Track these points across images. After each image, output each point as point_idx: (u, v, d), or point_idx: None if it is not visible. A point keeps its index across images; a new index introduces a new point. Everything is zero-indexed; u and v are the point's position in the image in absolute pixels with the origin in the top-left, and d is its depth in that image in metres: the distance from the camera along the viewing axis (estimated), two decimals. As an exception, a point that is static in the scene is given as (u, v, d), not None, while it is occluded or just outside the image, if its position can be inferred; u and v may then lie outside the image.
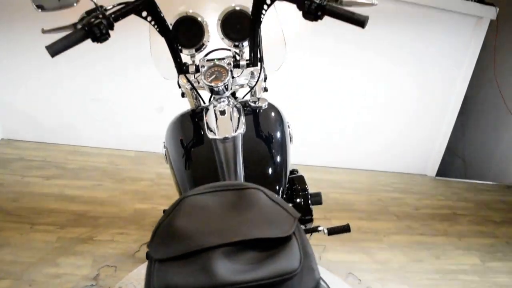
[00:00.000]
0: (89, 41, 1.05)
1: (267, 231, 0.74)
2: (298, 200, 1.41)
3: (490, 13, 3.01)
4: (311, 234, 1.40)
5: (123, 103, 2.94)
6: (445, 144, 3.45)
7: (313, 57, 2.98)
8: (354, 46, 2.99)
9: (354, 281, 2.12)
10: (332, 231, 1.38)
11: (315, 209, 1.38)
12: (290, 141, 1.44)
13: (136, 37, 2.45)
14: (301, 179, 1.45)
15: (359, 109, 3.21)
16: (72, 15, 1.09)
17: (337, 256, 2.29)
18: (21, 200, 2.34)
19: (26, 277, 1.84)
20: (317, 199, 1.50)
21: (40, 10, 1.05)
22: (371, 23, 3.06)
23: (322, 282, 0.78)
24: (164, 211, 0.87)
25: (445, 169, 3.70)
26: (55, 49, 1.00)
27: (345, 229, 1.41)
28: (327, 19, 1.04)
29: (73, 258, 1.98)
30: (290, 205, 1.38)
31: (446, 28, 3.05)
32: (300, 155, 3.23)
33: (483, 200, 3.27)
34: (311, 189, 1.42)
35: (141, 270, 1.90)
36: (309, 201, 1.40)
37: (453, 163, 4.38)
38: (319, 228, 1.34)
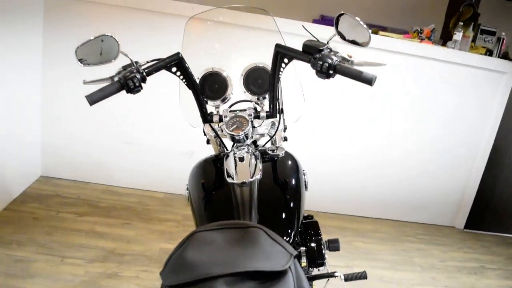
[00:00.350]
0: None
1: (265, 264, 0.81)
2: (312, 244, 1.47)
3: (514, 68, 3.07)
4: (328, 280, 1.44)
5: (154, 147, 3.09)
6: (473, 196, 3.41)
7: (337, 107, 3.08)
8: (382, 98, 3.07)
9: (373, 331, 2.10)
10: (348, 278, 1.43)
11: (336, 256, 1.43)
12: (306, 188, 1.51)
13: (168, 86, 2.61)
14: (315, 225, 1.51)
15: (384, 159, 3.24)
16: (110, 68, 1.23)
17: (357, 305, 2.28)
18: (54, 234, 2.47)
19: (53, 308, 1.93)
20: (335, 245, 1.56)
21: (82, 65, 1.20)
22: (399, 76, 3.17)
23: None
24: None
25: (475, 222, 3.62)
26: (93, 99, 1.14)
27: (362, 276, 1.45)
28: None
29: (98, 292, 2.06)
30: (303, 248, 1.44)
31: (473, 82, 3.10)
32: (325, 203, 3.26)
33: (514, 255, 3.19)
34: (333, 236, 1.48)
35: (162, 307, 1.95)
36: (322, 246, 1.45)
37: (484, 216, 4.27)
38: (336, 274, 1.38)
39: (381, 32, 3.19)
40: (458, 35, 3.09)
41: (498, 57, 3.11)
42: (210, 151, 1.61)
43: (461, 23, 3.14)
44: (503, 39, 3.12)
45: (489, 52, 3.20)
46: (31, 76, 2.84)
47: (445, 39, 3.43)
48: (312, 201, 2.38)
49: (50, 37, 2.83)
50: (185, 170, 2.65)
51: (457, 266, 2.87)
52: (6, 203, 2.69)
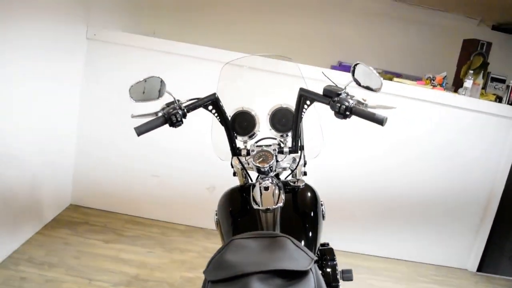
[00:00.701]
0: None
1: (291, 265, 0.97)
2: (327, 269, 1.60)
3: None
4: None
5: (179, 182, 3.27)
6: (486, 239, 3.47)
7: (352, 149, 3.24)
8: (395, 144, 3.23)
9: None
10: None
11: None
12: (323, 217, 1.66)
13: (194, 126, 2.83)
14: (330, 251, 1.65)
15: (398, 198, 3.36)
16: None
17: None
18: (82, 258, 2.62)
19: (82, 326, 2.06)
20: (348, 275, 1.69)
21: (134, 101, 1.40)
22: (411, 120, 3.31)
23: None
24: None
25: (488, 265, 3.66)
26: (141, 130, 1.33)
27: None
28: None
29: (123, 315, 2.19)
30: (320, 272, 1.57)
31: (483, 127, 3.24)
32: (340, 242, 3.36)
33: (527, 300, 3.21)
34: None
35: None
36: (336, 271, 1.58)
37: (497, 259, 4.29)
38: None
39: (395, 79, 3.39)
40: (468, 83, 3.26)
41: (508, 103, 3.26)
42: (230, 185, 1.76)
43: (472, 71, 3.32)
44: (512, 86, 3.29)
45: (499, 99, 3.36)
46: (69, 106, 3.08)
47: (456, 86, 3.60)
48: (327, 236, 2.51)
49: (89, 69, 3.09)
50: (206, 204, 2.85)
51: (469, 307, 2.92)
52: (39, 227, 2.87)
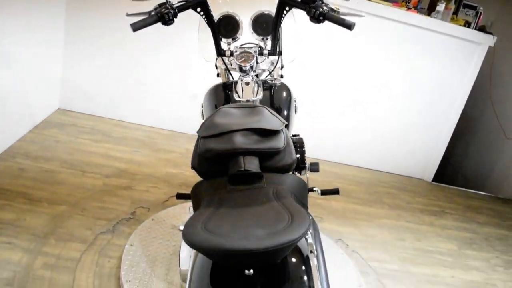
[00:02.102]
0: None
1: (267, 125, 1.22)
2: (297, 155, 1.86)
3: (489, 40, 3.42)
4: (307, 192, 1.84)
5: (163, 89, 3.45)
6: (442, 153, 3.83)
7: (333, 73, 3.45)
8: (367, 61, 3.44)
9: (342, 245, 2.54)
10: (324, 192, 1.82)
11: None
12: (295, 111, 1.90)
13: (179, 35, 2.97)
14: (300, 140, 1.90)
15: (367, 115, 3.64)
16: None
17: (331, 226, 2.71)
18: (75, 154, 2.85)
19: (78, 206, 2.33)
20: (315, 167, 1.96)
21: (131, -1, 1.55)
22: (383, 41, 3.52)
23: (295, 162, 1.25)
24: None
25: (442, 177, 4.07)
26: (136, 27, 1.50)
27: (335, 191, 1.84)
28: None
29: (115, 198, 2.46)
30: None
31: (450, 50, 3.47)
32: (312, 150, 3.65)
33: (473, 205, 3.63)
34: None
35: (170, 210, 2.36)
36: (305, 157, 1.84)
37: (455, 178, 4.73)
38: (314, 189, 1.77)
39: (372, -1, 3.53)
40: (441, 6, 3.44)
41: (475, 29, 3.47)
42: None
43: (445, -4, 3.49)
44: (481, 13, 3.48)
45: (468, 25, 3.56)
46: (56, 9, 3.15)
47: (430, 10, 3.77)
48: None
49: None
50: (189, 111, 3.05)
51: (421, 208, 3.31)
52: (30, 127, 3.05)
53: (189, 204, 1.34)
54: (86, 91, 3.44)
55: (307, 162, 1.92)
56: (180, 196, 1.69)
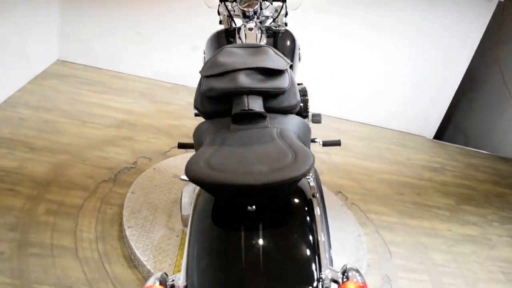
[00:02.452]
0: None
1: (271, 65, 1.20)
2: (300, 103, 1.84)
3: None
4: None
5: (163, 40, 3.38)
6: (444, 111, 3.79)
7: (332, 32, 3.38)
8: (369, 19, 3.36)
9: (342, 197, 2.56)
10: (326, 144, 1.80)
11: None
12: (299, 59, 1.86)
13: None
14: (304, 89, 1.88)
15: (369, 71, 3.59)
16: None
17: (331, 179, 2.73)
18: (75, 104, 2.83)
19: (80, 155, 2.34)
20: (317, 118, 1.94)
21: None
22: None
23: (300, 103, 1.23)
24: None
25: (444, 135, 4.06)
26: None
27: (337, 143, 1.83)
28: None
29: (116, 148, 2.46)
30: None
31: (455, 6, 3.37)
32: (312, 105, 3.62)
33: (473, 163, 3.63)
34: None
35: (171, 161, 2.37)
36: (308, 106, 1.83)
37: (456, 137, 4.72)
38: (316, 140, 1.76)
39: None
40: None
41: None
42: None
43: None
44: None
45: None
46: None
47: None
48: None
49: None
50: (190, 64, 2.99)
51: (421, 164, 3.32)
52: (30, 78, 3.02)
53: (191, 154, 1.33)
54: (85, 42, 3.38)
55: (310, 112, 1.90)
56: (182, 146, 1.69)
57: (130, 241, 1.76)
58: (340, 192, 2.62)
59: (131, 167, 2.33)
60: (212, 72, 1.20)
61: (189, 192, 1.42)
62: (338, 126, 3.58)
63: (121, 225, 1.90)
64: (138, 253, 1.71)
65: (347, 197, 2.58)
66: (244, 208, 0.95)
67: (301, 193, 1.07)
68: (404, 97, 3.73)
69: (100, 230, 1.89)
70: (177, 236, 1.85)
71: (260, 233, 0.92)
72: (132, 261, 1.76)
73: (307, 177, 1.30)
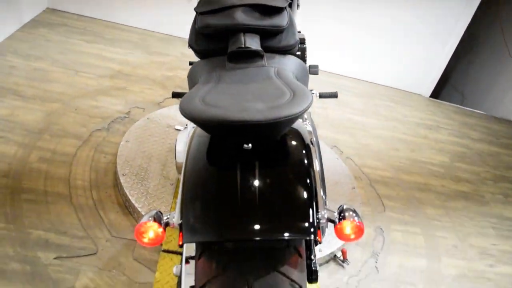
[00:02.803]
0: None
1: (270, 1, 1.15)
2: (298, 52, 1.80)
3: None
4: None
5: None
6: (442, 69, 3.75)
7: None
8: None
9: (337, 151, 2.55)
10: (322, 95, 1.77)
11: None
12: (298, 7, 1.80)
13: None
14: (302, 37, 1.83)
15: (368, 27, 3.51)
16: None
17: (327, 133, 2.71)
18: (66, 54, 2.75)
19: (72, 104, 2.29)
20: (314, 70, 1.89)
21: None
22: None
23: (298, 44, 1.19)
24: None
25: (440, 94, 4.03)
26: None
27: (334, 95, 1.80)
28: None
29: (109, 98, 2.41)
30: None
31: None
32: (309, 59, 3.57)
33: (468, 122, 3.63)
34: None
35: (165, 111, 2.33)
36: (305, 52, 1.78)
37: (453, 96, 4.70)
38: (312, 92, 1.72)
39: None
40: None
41: None
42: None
43: None
44: None
45: None
46: None
47: None
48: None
49: None
50: (185, 14, 2.89)
51: (417, 122, 3.31)
52: (18, 26, 2.92)
53: None
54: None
55: (307, 63, 1.86)
56: (176, 95, 1.65)
57: (124, 188, 1.75)
58: (335, 146, 2.61)
59: (125, 117, 2.29)
60: (207, 8, 1.16)
61: (183, 140, 1.40)
62: (335, 81, 3.54)
63: (115, 173, 1.89)
64: (132, 200, 1.70)
65: (342, 151, 2.57)
66: (240, 147, 0.92)
67: (298, 136, 1.04)
68: (402, 55, 3.67)
69: (94, 178, 1.87)
70: (172, 184, 1.84)
71: (257, 171, 0.89)
72: (126, 208, 1.75)
73: (304, 122, 1.27)
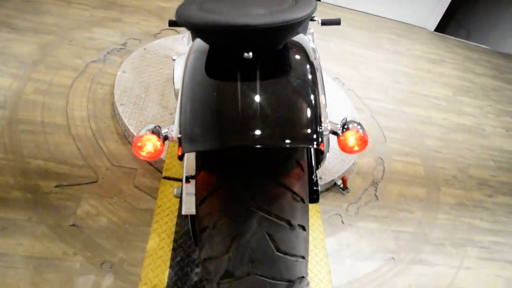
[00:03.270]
0: None
1: None
2: None
3: None
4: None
5: None
6: (447, 4, 3.61)
7: None
8: None
9: (339, 83, 2.51)
10: (325, 22, 1.69)
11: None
12: None
13: None
14: None
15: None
16: None
17: (328, 66, 2.65)
18: (58, -17, 2.64)
19: (67, 36, 2.21)
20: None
21: None
22: None
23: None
24: None
25: (445, 28, 3.91)
26: None
27: (336, 22, 1.71)
28: None
29: (105, 29, 2.34)
30: None
31: None
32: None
33: (472, 56, 3.55)
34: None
35: (162, 41, 2.26)
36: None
37: (458, 31, 4.57)
38: (314, 18, 1.63)
39: None
40: None
41: None
42: None
43: None
44: None
45: None
46: None
47: None
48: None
49: None
50: None
51: (420, 55, 3.23)
52: (5, -46, 2.78)
53: (182, 35, 1.20)
54: None
55: None
56: (173, 23, 1.57)
57: (123, 118, 1.72)
58: (337, 78, 2.55)
59: (121, 48, 2.22)
60: None
61: (182, 65, 1.34)
62: (337, 14, 3.42)
63: (113, 104, 1.86)
64: (131, 129, 1.68)
65: (343, 83, 2.52)
66: (240, 57, 0.88)
67: (303, 50, 0.98)
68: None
69: (92, 109, 1.84)
70: (171, 114, 1.82)
71: (258, 81, 0.85)
72: (125, 137, 1.74)
73: (309, 39, 1.21)
